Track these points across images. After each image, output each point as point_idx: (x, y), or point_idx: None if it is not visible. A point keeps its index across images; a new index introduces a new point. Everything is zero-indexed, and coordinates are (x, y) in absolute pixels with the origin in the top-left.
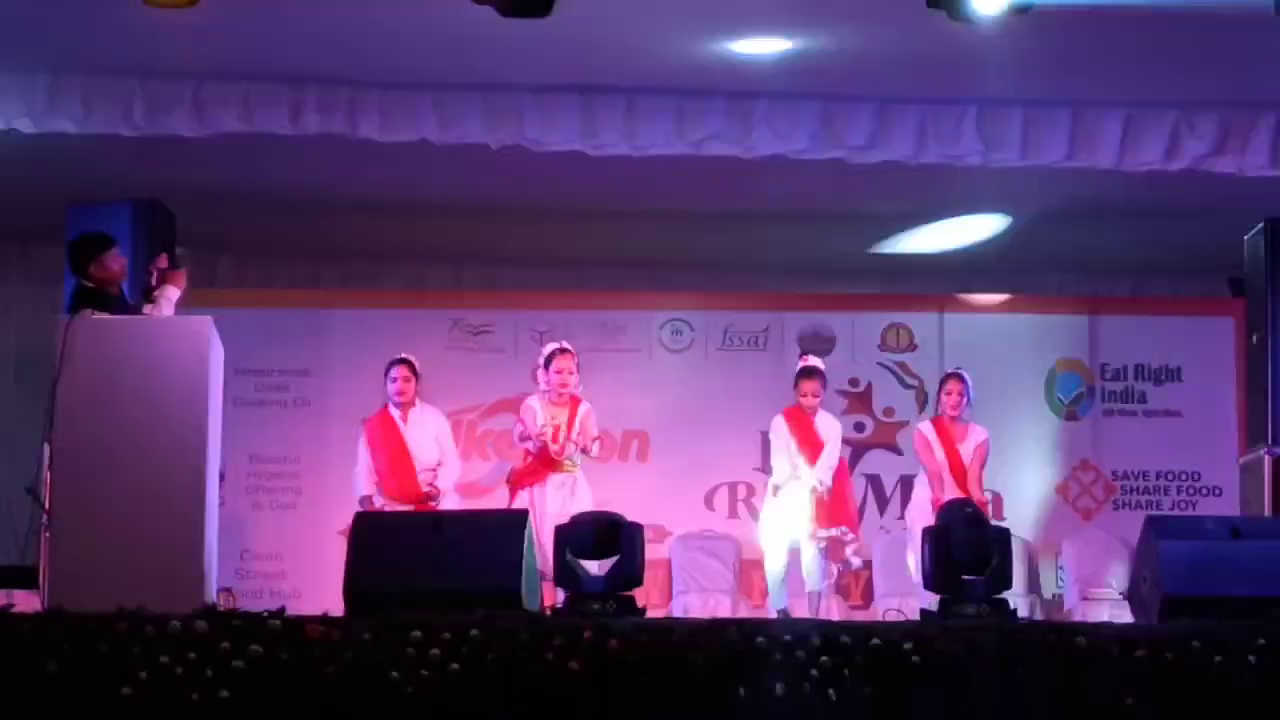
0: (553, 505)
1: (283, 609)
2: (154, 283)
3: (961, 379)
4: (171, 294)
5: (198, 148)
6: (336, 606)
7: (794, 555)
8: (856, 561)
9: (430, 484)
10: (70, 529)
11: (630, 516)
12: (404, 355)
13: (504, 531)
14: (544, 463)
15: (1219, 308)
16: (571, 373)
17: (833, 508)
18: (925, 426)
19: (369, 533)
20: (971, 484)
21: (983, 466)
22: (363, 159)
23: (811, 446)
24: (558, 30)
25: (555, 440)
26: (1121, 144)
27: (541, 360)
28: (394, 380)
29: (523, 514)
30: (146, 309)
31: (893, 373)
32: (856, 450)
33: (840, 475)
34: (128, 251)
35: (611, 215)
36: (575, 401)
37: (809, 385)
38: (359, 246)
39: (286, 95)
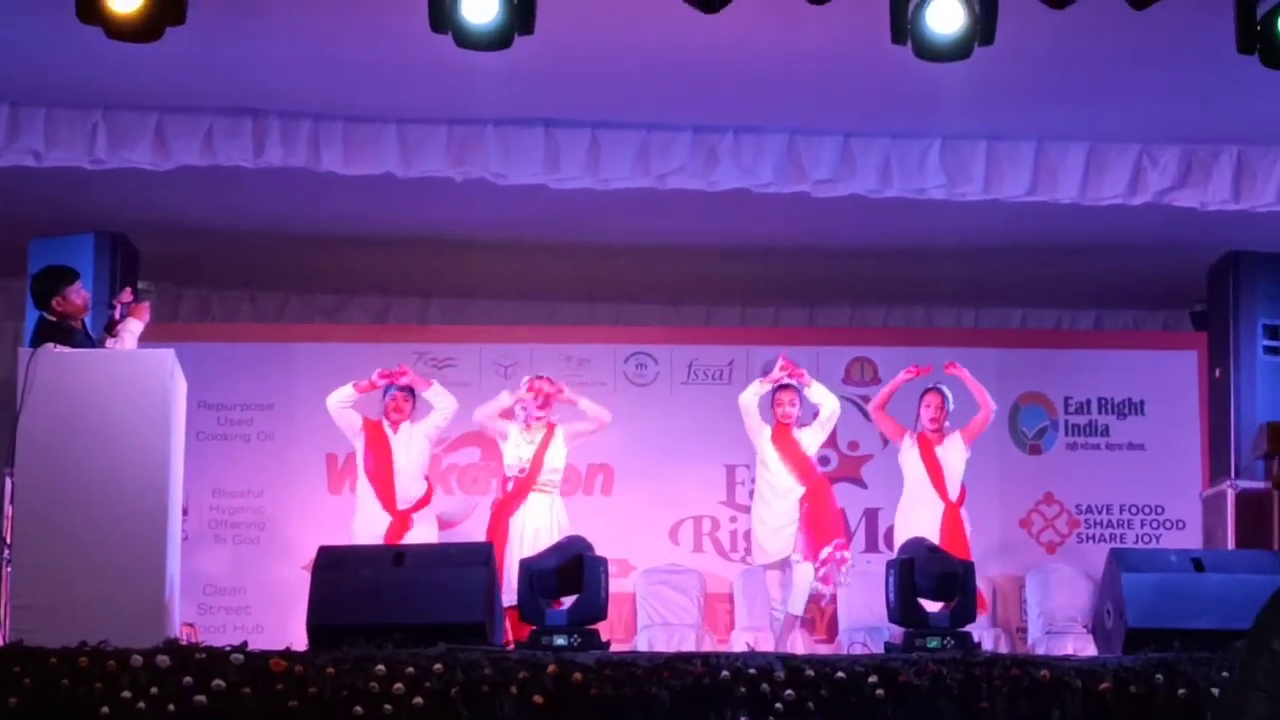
0: (532, 524)
1: (245, 643)
2: (117, 316)
3: (940, 392)
4: (134, 327)
5: (161, 180)
6: (300, 641)
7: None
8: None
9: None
10: (32, 563)
11: (594, 550)
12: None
13: (467, 564)
14: (522, 488)
15: (1182, 342)
16: (541, 406)
17: (823, 520)
18: (906, 441)
19: (332, 567)
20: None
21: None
22: (326, 192)
23: (796, 461)
24: (521, 63)
25: (527, 470)
26: (1084, 178)
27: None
28: (393, 398)
29: (487, 546)
30: (109, 342)
31: (857, 406)
32: None
33: (826, 488)
34: (90, 285)
35: (576, 249)
36: (551, 427)
37: (784, 395)
38: (323, 280)
39: (250, 128)
